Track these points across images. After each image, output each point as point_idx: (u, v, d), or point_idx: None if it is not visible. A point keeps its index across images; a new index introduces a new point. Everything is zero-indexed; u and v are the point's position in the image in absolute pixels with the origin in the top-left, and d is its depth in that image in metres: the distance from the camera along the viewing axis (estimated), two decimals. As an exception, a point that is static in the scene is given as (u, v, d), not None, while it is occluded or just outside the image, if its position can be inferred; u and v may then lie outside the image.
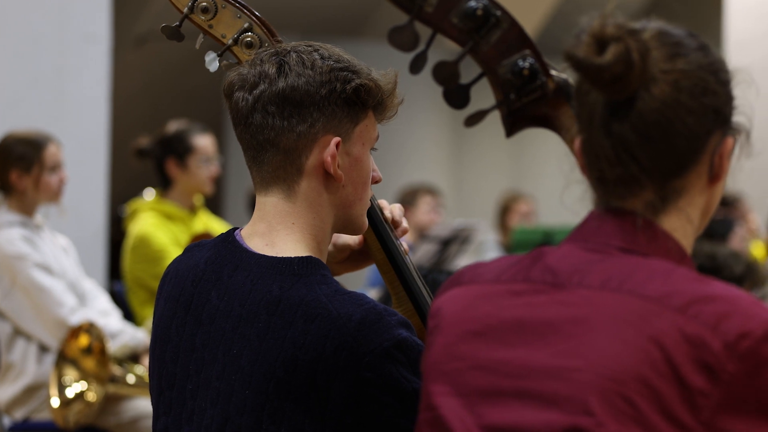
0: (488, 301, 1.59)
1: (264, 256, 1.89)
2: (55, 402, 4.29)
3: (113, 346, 4.44)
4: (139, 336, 4.57)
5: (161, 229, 5.15)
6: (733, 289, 1.49)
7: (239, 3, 2.11)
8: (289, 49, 1.92)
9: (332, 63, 1.90)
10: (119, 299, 5.24)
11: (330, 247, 2.12)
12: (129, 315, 5.13)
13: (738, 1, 7.80)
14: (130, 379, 4.45)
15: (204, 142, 5.28)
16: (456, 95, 1.90)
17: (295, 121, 1.89)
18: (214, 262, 1.92)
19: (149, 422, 4.41)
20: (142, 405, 4.48)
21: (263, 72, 1.90)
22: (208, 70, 2.10)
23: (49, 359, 4.43)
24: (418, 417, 1.61)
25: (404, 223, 2.16)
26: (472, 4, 1.85)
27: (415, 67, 1.87)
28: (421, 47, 1.86)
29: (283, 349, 1.79)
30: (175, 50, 8.91)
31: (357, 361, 1.77)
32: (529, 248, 1.65)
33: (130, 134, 6.04)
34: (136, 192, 5.77)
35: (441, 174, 10.91)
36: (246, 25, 2.10)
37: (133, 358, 4.57)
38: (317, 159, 1.91)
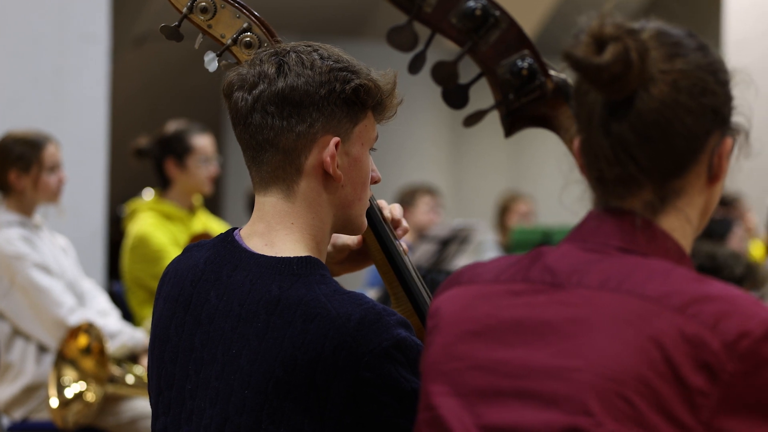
0: (487, 301, 1.59)
1: (263, 256, 1.89)
2: (54, 402, 4.29)
3: (112, 347, 4.44)
4: (138, 336, 4.56)
5: (160, 229, 5.15)
6: (732, 289, 1.49)
7: (238, 3, 2.11)
8: (288, 49, 1.92)
9: (331, 63, 1.90)
10: (118, 299, 5.24)
11: (329, 248, 2.12)
12: (128, 315, 5.13)
13: (737, 0, 7.80)
14: (129, 379, 4.44)
15: (203, 142, 5.28)
16: (455, 95, 1.90)
17: (294, 121, 1.89)
18: (214, 262, 1.92)
19: (148, 422, 4.40)
20: (141, 405, 4.48)
21: (262, 72, 1.90)
22: (207, 70, 2.10)
23: (48, 359, 4.43)
24: (417, 417, 1.61)
25: (404, 223, 2.16)
26: (471, 4, 1.85)
27: (414, 67, 1.87)
28: (420, 47, 1.86)
29: (282, 349, 1.79)
30: (174, 50, 8.91)
31: (356, 361, 1.77)
32: (528, 248, 1.65)
33: (129, 134, 6.05)
34: (135, 192, 5.77)
35: (440, 174, 10.91)
36: (245, 25, 2.10)
37: (132, 358, 4.57)
38: (316, 159, 1.91)
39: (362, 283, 6.65)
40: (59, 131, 5.04)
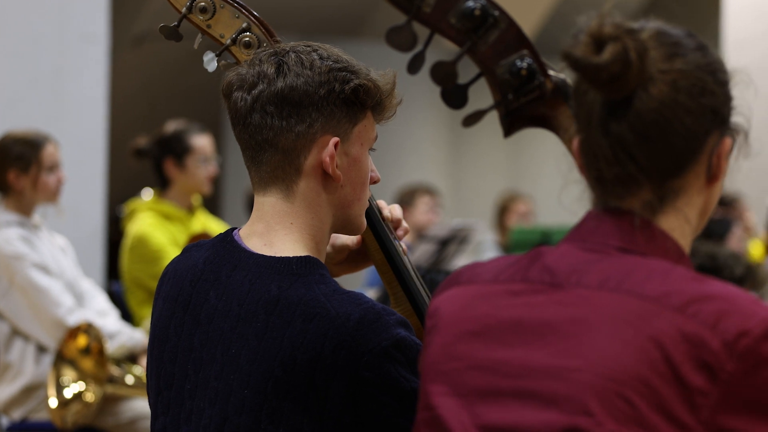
0: (486, 301, 1.59)
1: (262, 255, 1.89)
2: (53, 402, 4.29)
3: (111, 347, 4.44)
4: (137, 337, 4.56)
5: (159, 229, 5.15)
6: (731, 288, 1.49)
7: (237, 3, 2.11)
8: (287, 49, 1.92)
9: (331, 63, 1.90)
10: (117, 299, 5.24)
11: (328, 248, 2.12)
12: (127, 315, 5.13)
13: (736, 1, 7.80)
14: (129, 379, 4.44)
15: (202, 142, 5.28)
16: (454, 95, 1.90)
17: (293, 121, 1.89)
18: (213, 261, 1.92)
19: (147, 423, 4.41)
20: (141, 405, 4.48)
21: (262, 72, 1.90)
22: (207, 70, 2.10)
23: (47, 359, 4.43)
24: (416, 417, 1.61)
25: (404, 224, 2.16)
26: (470, 4, 1.85)
27: (413, 67, 1.87)
28: (419, 47, 1.86)
29: (281, 349, 1.79)
30: (174, 50, 8.91)
31: (355, 361, 1.77)
32: (528, 248, 1.65)
33: (128, 134, 6.05)
34: (134, 192, 5.77)
35: (439, 174, 10.91)
36: (244, 25, 2.10)
37: (131, 358, 4.57)
38: (316, 159, 1.91)
39: (361, 283, 6.65)
40: (58, 131, 5.04)
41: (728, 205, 6.50)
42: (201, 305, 1.89)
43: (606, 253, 1.55)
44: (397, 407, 1.78)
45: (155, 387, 1.93)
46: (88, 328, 4.36)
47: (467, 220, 7.02)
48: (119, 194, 7.24)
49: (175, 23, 2.11)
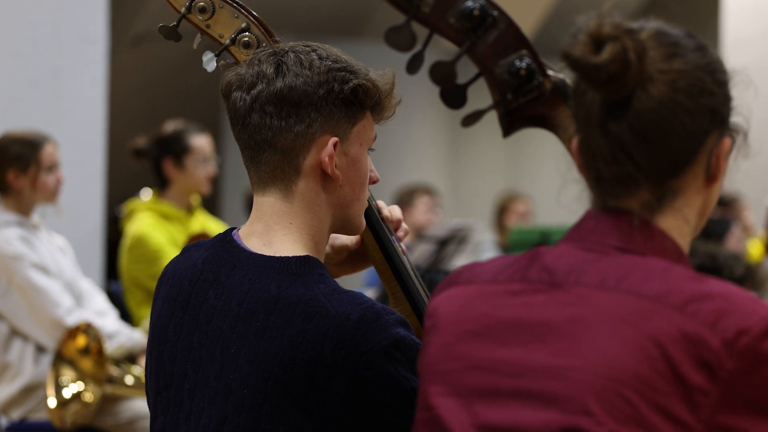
0: (485, 301, 1.59)
1: (262, 255, 1.89)
2: (52, 402, 4.29)
3: (109, 347, 4.44)
4: (136, 337, 4.56)
5: (158, 229, 5.15)
6: (730, 287, 1.49)
7: (237, 3, 2.11)
8: (287, 49, 1.92)
9: (330, 63, 1.90)
10: (116, 299, 5.24)
11: (327, 249, 2.12)
12: (126, 315, 5.13)
13: (735, 1, 7.80)
14: (128, 379, 4.44)
15: (201, 142, 5.28)
16: (453, 95, 1.90)
17: (292, 121, 1.89)
18: (212, 261, 1.92)
19: (146, 423, 4.41)
20: (140, 405, 4.48)
21: (261, 72, 1.90)
22: (206, 70, 2.10)
23: (47, 359, 4.43)
24: (415, 417, 1.61)
25: (404, 225, 2.16)
26: (469, 4, 1.85)
27: (412, 67, 1.87)
28: (418, 47, 1.86)
29: (281, 348, 1.79)
30: (173, 50, 8.91)
31: (355, 360, 1.77)
32: (527, 248, 1.65)
33: (127, 134, 6.04)
34: (133, 192, 5.77)
35: (438, 174, 10.91)
36: (243, 25, 2.10)
37: (130, 358, 4.57)
38: (315, 159, 1.91)
39: (361, 283, 6.65)
40: (57, 131, 5.04)
41: (727, 205, 6.50)
42: (200, 305, 1.89)
43: (604, 252, 1.55)
44: (397, 406, 1.78)
45: (154, 387, 1.93)
46: (87, 328, 4.36)
47: (466, 220, 7.02)
48: (118, 194, 7.24)
49: (175, 23, 2.11)
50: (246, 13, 2.10)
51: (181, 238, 5.14)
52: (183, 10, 2.10)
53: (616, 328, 1.47)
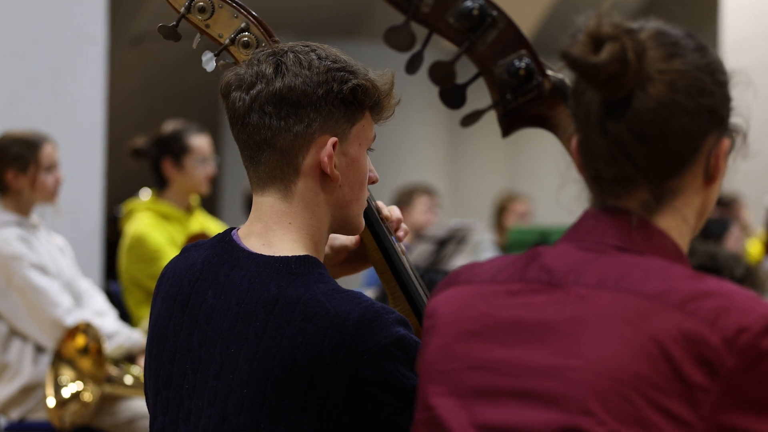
0: (485, 301, 1.59)
1: (261, 255, 1.89)
2: (51, 402, 4.29)
3: (109, 347, 4.44)
4: (135, 337, 4.56)
5: (157, 229, 5.15)
6: (729, 285, 1.49)
7: (236, 3, 2.11)
8: (286, 49, 1.92)
9: (329, 63, 1.90)
10: (115, 299, 5.24)
11: (327, 250, 2.12)
12: (125, 315, 5.13)
13: (734, 1, 7.80)
14: (127, 379, 4.44)
15: (200, 142, 5.28)
16: (452, 95, 1.90)
17: (292, 121, 1.89)
18: (211, 261, 1.92)
19: (145, 422, 4.41)
20: (138, 405, 4.48)
21: (260, 72, 1.90)
22: (205, 69, 2.10)
23: (46, 360, 4.43)
24: (415, 417, 1.61)
25: (404, 225, 2.16)
26: (469, 4, 1.85)
27: (412, 67, 1.87)
28: (417, 47, 1.86)
29: (281, 348, 1.79)
30: (172, 50, 8.90)
31: (355, 360, 1.77)
32: (526, 248, 1.65)
33: (126, 134, 6.04)
34: (133, 192, 5.77)
35: (437, 174, 10.91)
36: (243, 25, 2.10)
37: (129, 358, 4.57)
38: (314, 159, 1.91)
39: (360, 282, 6.65)
40: (57, 131, 5.04)
41: (726, 205, 6.51)
42: (200, 305, 1.89)
43: (603, 252, 1.55)
44: (398, 405, 1.78)
45: (154, 387, 1.93)
46: (86, 328, 4.36)
47: (465, 220, 7.01)
48: (117, 194, 7.23)
49: (174, 23, 2.11)
50: (245, 13, 2.10)
51: (180, 238, 5.14)
52: (182, 9, 2.10)
53: (615, 327, 1.47)
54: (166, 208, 5.24)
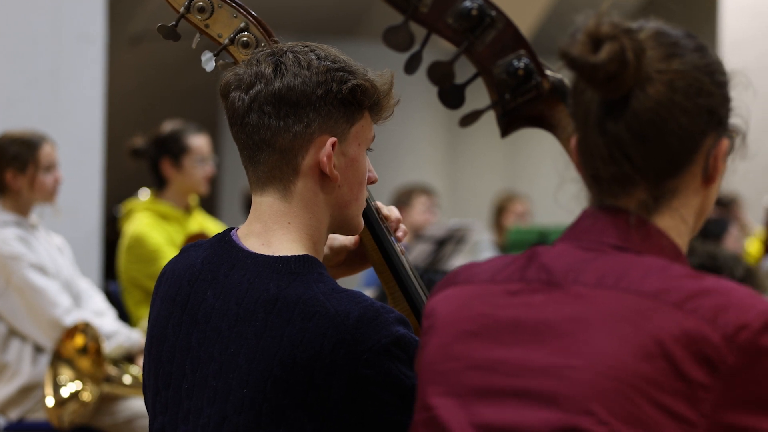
0: (484, 300, 1.59)
1: (261, 255, 1.89)
2: (50, 401, 4.29)
3: (108, 347, 4.44)
4: (134, 337, 4.56)
5: (156, 229, 5.15)
6: (728, 282, 1.49)
7: (236, 3, 2.11)
8: (285, 49, 1.93)
9: (328, 63, 1.90)
10: (114, 299, 5.24)
11: (326, 250, 2.12)
12: (124, 315, 5.13)
13: (733, 1, 7.80)
14: (126, 379, 4.44)
15: (199, 142, 5.28)
16: (451, 95, 1.90)
17: (291, 121, 1.89)
18: (211, 261, 1.92)
19: (144, 422, 4.41)
20: (137, 405, 4.48)
21: (260, 72, 1.90)
22: (204, 69, 2.10)
23: (45, 360, 4.43)
24: (414, 417, 1.61)
25: (403, 225, 2.16)
26: (467, 4, 1.85)
27: (410, 67, 1.87)
28: (416, 47, 1.86)
29: (281, 348, 1.79)
30: (171, 50, 8.91)
31: (355, 359, 1.77)
32: (525, 248, 1.66)
33: (125, 134, 6.04)
34: (131, 192, 5.77)
35: (436, 174, 10.91)
36: (242, 24, 2.10)
37: (128, 358, 4.57)
38: (313, 159, 1.91)
39: (359, 282, 6.66)
40: (56, 131, 5.04)
41: (726, 205, 6.51)
42: (199, 305, 1.89)
43: (602, 251, 1.55)
44: (398, 404, 1.78)
45: (153, 387, 1.93)
46: (85, 328, 4.36)
47: (464, 220, 7.02)
48: (116, 194, 7.23)
49: (173, 23, 2.11)
50: (245, 12, 2.10)
51: (179, 238, 5.14)
52: (182, 9, 2.10)
53: (615, 326, 1.47)
54: (165, 208, 5.23)
